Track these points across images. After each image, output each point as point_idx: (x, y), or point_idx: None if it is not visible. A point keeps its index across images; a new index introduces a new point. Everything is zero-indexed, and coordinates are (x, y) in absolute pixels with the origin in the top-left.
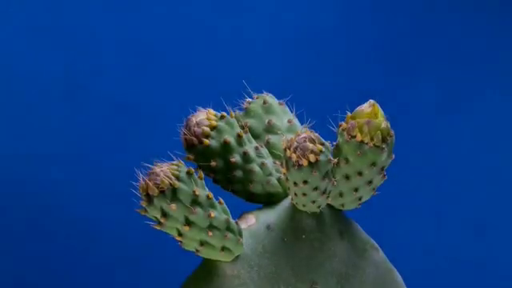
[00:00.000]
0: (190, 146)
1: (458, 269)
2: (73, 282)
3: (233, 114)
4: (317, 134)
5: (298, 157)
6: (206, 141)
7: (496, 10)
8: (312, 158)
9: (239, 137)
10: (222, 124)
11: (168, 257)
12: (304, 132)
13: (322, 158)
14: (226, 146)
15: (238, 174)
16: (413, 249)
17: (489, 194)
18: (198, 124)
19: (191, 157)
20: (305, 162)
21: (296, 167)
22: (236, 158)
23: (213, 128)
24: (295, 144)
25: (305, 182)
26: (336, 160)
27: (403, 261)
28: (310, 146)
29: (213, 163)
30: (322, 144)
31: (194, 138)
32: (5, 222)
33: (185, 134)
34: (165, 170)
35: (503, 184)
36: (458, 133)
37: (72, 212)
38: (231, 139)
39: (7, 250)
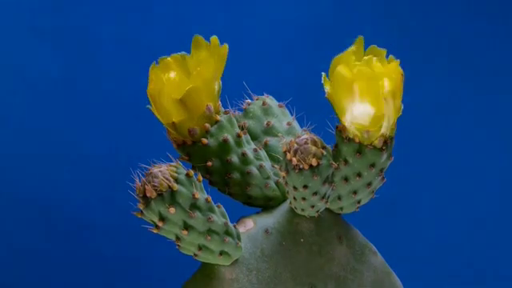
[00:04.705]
0: (181, 145)
1: (457, 273)
2: (71, 283)
3: (233, 114)
4: (319, 137)
5: (298, 160)
6: (204, 139)
7: (497, 11)
8: (314, 161)
9: (238, 137)
10: (223, 120)
11: (167, 259)
12: (304, 133)
13: (323, 161)
14: (224, 145)
15: (236, 175)
16: (411, 252)
17: (489, 197)
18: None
19: (185, 157)
20: (306, 166)
21: (296, 171)
22: (234, 159)
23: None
24: (295, 146)
25: (305, 187)
26: (337, 164)
27: (401, 264)
28: (313, 148)
29: (209, 163)
30: (324, 147)
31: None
32: (4, 222)
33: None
34: (163, 171)
35: (503, 187)
36: (457, 134)
37: (70, 212)
38: (230, 138)
39: (6, 250)
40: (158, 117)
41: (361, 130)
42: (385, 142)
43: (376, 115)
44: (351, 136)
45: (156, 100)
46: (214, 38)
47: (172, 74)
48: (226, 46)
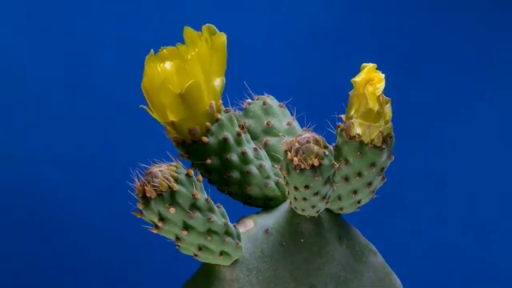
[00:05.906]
0: (180, 144)
1: (457, 273)
2: (71, 283)
3: (233, 114)
4: (321, 136)
5: (299, 160)
6: (205, 138)
7: (497, 11)
8: (316, 161)
9: (238, 135)
10: (223, 118)
11: (167, 259)
12: (305, 133)
13: (325, 162)
14: (224, 143)
15: (235, 174)
16: (411, 252)
17: (489, 198)
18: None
19: (185, 155)
20: (307, 166)
21: (298, 171)
22: (233, 157)
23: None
24: (296, 146)
25: (306, 187)
26: (338, 165)
27: (401, 264)
28: (315, 148)
29: (208, 161)
30: (326, 147)
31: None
32: (3, 222)
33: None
34: (164, 171)
35: (503, 187)
36: (457, 134)
37: (69, 212)
38: (230, 137)
39: (6, 250)
40: (154, 116)
41: (363, 125)
42: (384, 141)
43: (377, 111)
44: (353, 134)
45: (152, 95)
46: (205, 28)
47: (167, 65)
48: (222, 34)
